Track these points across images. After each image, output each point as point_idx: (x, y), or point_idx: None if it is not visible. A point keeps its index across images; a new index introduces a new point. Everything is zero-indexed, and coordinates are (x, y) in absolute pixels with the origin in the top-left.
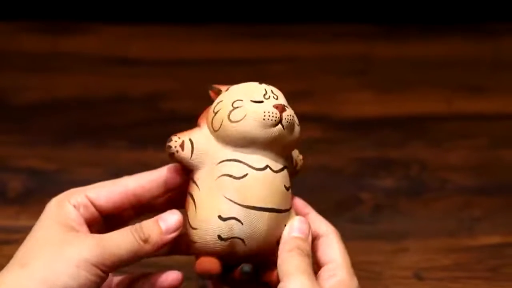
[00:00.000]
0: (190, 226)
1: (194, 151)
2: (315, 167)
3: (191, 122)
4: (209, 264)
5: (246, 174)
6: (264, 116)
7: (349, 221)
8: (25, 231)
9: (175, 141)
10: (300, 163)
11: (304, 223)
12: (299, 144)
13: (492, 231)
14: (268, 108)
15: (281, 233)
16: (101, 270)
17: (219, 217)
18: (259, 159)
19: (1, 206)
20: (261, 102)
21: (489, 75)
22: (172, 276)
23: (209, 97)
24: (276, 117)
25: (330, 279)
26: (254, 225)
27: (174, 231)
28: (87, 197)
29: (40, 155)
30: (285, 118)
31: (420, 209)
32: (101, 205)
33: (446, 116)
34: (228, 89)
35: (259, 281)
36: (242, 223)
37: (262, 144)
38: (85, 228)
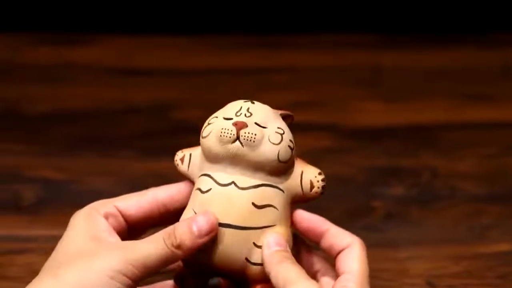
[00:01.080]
0: None
1: (190, 165)
2: (325, 175)
3: (199, 131)
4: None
5: (210, 189)
6: (221, 133)
7: (360, 229)
8: (38, 240)
9: (177, 155)
10: (317, 184)
11: (277, 236)
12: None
13: (502, 239)
14: (226, 125)
15: (249, 251)
16: (131, 279)
17: None
18: (227, 175)
19: (14, 216)
20: (230, 119)
21: (498, 84)
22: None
23: (217, 106)
24: (231, 134)
25: None
26: (211, 239)
27: (208, 234)
28: (116, 207)
29: (52, 165)
30: (242, 136)
31: (431, 216)
32: (130, 214)
33: (456, 124)
34: None
35: None
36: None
37: (227, 160)
38: (116, 237)
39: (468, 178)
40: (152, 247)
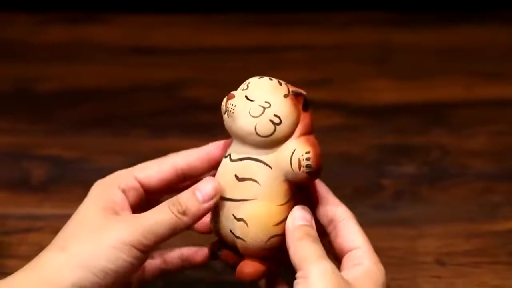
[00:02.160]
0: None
1: None
2: (335, 154)
3: (211, 110)
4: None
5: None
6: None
7: (370, 208)
8: (48, 218)
9: None
10: (303, 163)
11: (306, 211)
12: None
13: None
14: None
15: (232, 223)
16: (140, 250)
17: None
18: (231, 147)
19: (25, 194)
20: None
21: (508, 61)
22: (202, 252)
23: (228, 84)
24: (224, 106)
25: (355, 268)
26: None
27: (211, 198)
28: (136, 178)
29: (63, 143)
30: (227, 107)
31: (441, 194)
32: (151, 184)
33: (465, 102)
34: None
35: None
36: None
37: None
38: (128, 212)
39: (478, 156)
40: (159, 216)
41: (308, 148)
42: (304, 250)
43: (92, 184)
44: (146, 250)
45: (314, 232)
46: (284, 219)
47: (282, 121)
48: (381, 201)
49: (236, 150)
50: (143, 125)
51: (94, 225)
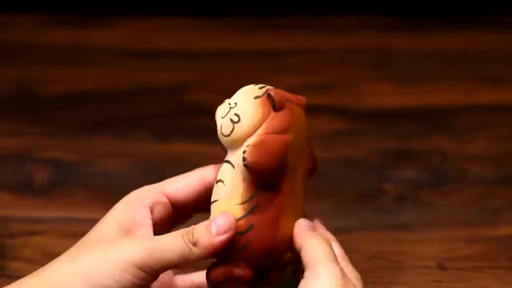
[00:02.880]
0: None
1: None
2: (337, 158)
3: (213, 114)
4: None
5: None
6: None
7: (371, 212)
8: (51, 221)
9: None
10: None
11: (309, 222)
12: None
13: None
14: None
15: None
16: (146, 273)
17: None
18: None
19: (27, 197)
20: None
21: (508, 66)
22: None
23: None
24: None
25: None
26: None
27: (224, 233)
28: (164, 193)
29: (65, 146)
30: None
31: (441, 199)
32: (178, 198)
33: (466, 107)
34: None
35: None
36: None
37: None
38: (148, 230)
39: (479, 161)
40: (170, 241)
41: (253, 143)
42: (316, 249)
43: (94, 187)
44: (153, 273)
45: (324, 235)
46: (241, 219)
47: (241, 119)
48: (382, 206)
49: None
50: (145, 128)
51: (106, 241)
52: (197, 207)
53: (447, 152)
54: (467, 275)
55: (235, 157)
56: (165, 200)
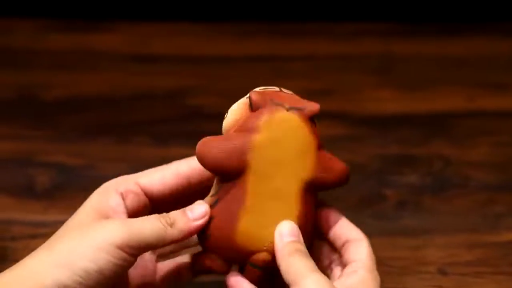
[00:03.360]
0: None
1: None
2: None
3: (215, 119)
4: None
5: None
6: None
7: (372, 217)
8: (53, 225)
9: None
10: None
11: (292, 225)
12: None
13: None
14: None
15: None
16: (127, 253)
17: None
18: None
19: (29, 201)
20: None
21: (510, 73)
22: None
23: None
24: None
25: (351, 275)
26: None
27: (201, 218)
28: (138, 184)
29: (67, 150)
30: None
31: (443, 205)
32: (154, 190)
33: (468, 113)
34: None
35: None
36: None
37: None
38: (123, 216)
39: (481, 167)
40: (147, 222)
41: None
42: (296, 266)
43: None
44: (132, 253)
45: (303, 247)
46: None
47: (227, 116)
48: (383, 211)
49: None
50: (146, 133)
51: (83, 226)
52: (174, 200)
53: (449, 158)
54: (468, 281)
55: None
56: (138, 190)
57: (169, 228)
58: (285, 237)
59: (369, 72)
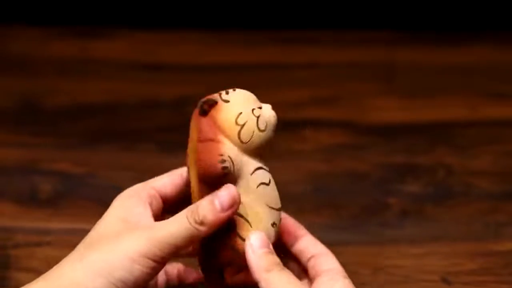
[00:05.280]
0: (240, 237)
1: (234, 166)
2: (341, 172)
3: None
4: None
5: (270, 179)
6: (274, 120)
7: (376, 226)
8: (57, 233)
9: (225, 159)
10: None
11: (260, 236)
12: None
13: None
14: (272, 113)
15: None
16: (156, 261)
17: (272, 224)
18: (262, 163)
19: (33, 209)
20: (260, 108)
21: None
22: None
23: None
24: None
25: (331, 282)
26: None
27: (230, 207)
28: (154, 188)
29: (71, 158)
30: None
31: (446, 214)
32: (167, 193)
33: (471, 122)
34: (225, 99)
35: None
36: (277, 226)
37: (264, 148)
38: (151, 220)
39: (484, 176)
40: (175, 225)
41: None
42: (276, 282)
43: (100, 199)
44: (162, 261)
45: (276, 258)
46: None
47: None
48: (387, 220)
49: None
50: (151, 141)
51: (112, 235)
52: (180, 201)
53: (451, 166)
54: None
55: None
56: (157, 195)
57: (199, 226)
58: (257, 248)
59: (373, 80)
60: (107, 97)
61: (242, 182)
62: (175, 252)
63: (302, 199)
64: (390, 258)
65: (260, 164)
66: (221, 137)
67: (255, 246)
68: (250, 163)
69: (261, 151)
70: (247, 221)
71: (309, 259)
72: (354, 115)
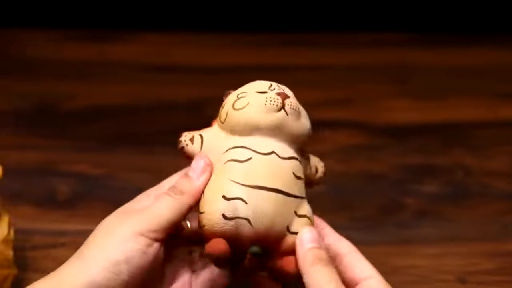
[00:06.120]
0: (199, 212)
1: (204, 144)
2: (357, 172)
3: None
4: (217, 244)
5: (250, 158)
6: (266, 101)
7: (393, 226)
8: (74, 234)
9: (185, 136)
10: (321, 169)
11: (313, 232)
12: (338, 151)
13: None
14: (270, 95)
15: (291, 219)
16: (150, 238)
17: (223, 197)
18: (265, 145)
19: (50, 210)
20: (265, 92)
21: None
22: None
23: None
24: (278, 102)
25: None
26: (259, 204)
27: (202, 173)
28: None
29: (88, 160)
30: (288, 104)
31: (463, 214)
32: None
33: (487, 122)
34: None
35: (264, 267)
36: (246, 203)
37: (266, 130)
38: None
39: (501, 176)
40: (161, 201)
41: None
42: (317, 277)
43: (117, 201)
44: (158, 237)
45: (325, 254)
46: None
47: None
48: (404, 220)
49: (277, 146)
50: (168, 143)
51: (107, 227)
52: None
53: (468, 167)
54: None
55: (302, 159)
56: None
57: (180, 196)
58: (306, 243)
59: (386, 82)
60: (124, 99)
61: (213, 158)
62: (168, 227)
63: (319, 200)
64: (406, 258)
65: (241, 144)
66: (215, 121)
67: (304, 240)
68: (228, 142)
69: (247, 130)
70: (203, 192)
71: (333, 259)
72: (369, 116)
